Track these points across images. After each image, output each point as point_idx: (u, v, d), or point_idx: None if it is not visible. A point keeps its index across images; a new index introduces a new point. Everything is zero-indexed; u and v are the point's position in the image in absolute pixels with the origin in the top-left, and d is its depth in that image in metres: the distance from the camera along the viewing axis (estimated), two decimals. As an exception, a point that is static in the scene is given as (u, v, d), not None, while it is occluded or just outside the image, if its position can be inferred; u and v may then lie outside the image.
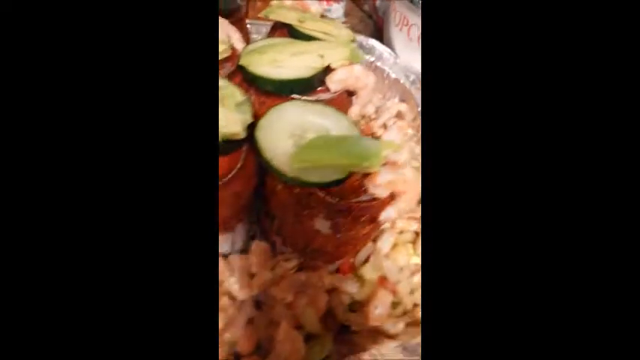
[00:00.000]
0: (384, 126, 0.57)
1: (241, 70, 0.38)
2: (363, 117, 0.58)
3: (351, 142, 0.32)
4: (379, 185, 0.31)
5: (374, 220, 0.33)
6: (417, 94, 0.63)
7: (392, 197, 0.32)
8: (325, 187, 0.31)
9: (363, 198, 0.31)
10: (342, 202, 0.31)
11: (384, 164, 0.32)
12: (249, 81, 0.38)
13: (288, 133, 0.33)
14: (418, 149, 0.58)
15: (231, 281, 0.36)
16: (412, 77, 0.65)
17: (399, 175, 0.31)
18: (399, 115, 0.64)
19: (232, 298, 0.36)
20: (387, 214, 0.33)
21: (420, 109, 0.62)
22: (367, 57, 0.66)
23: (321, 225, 0.33)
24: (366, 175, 0.32)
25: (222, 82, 0.34)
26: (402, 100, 0.65)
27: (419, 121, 0.61)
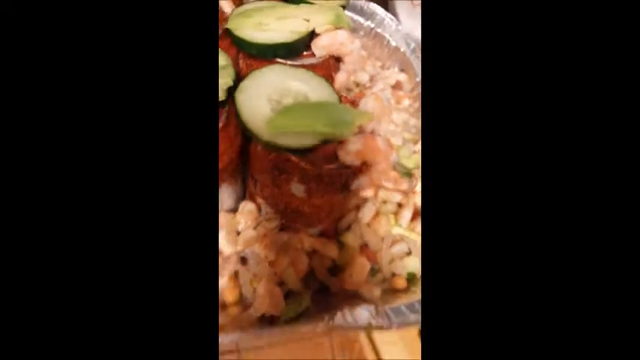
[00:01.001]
0: (378, 96, 0.57)
1: (228, 33, 0.38)
2: (358, 85, 0.58)
3: (326, 109, 0.33)
4: (349, 153, 0.32)
5: (346, 187, 0.34)
6: (416, 64, 0.62)
7: (365, 166, 0.33)
8: (299, 152, 0.33)
9: (335, 165, 0.33)
10: (314, 168, 0.32)
11: (356, 133, 0.33)
12: (237, 44, 0.39)
13: (267, 98, 0.34)
14: (412, 121, 0.58)
15: (219, 236, 0.39)
16: (413, 45, 0.63)
17: (369, 145, 0.32)
18: (398, 85, 0.63)
19: (219, 252, 0.40)
20: (359, 183, 0.34)
21: (419, 79, 0.61)
22: (367, 23, 0.65)
23: (296, 189, 0.34)
24: (339, 143, 0.33)
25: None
26: (402, 70, 0.64)
27: (417, 92, 0.60)
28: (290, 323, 0.39)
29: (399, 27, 0.65)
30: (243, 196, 0.44)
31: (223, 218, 0.40)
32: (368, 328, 0.37)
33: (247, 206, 0.41)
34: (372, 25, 0.64)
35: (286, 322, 0.39)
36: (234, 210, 0.42)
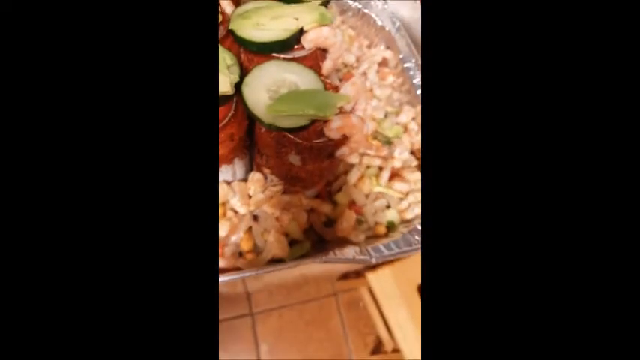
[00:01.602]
0: (365, 74, 0.67)
1: (231, 33, 0.48)
2: (346, 66, 0.67)
3: (314, 95, 0.43)
4: (332, 130, 0.43)
5: (331, 155, 0.46)
6: (400, 42, 0.70)
7: (345, 138, 0.45)
8: (294, 131, 0.44)
9: (322, 140, 0.44)
10: (306, 142, 0.44)
11: (337, 113, 0.43)
12: (239, 42, 0.48)
13: (266, 88, 0.44)
14: (395, 95, 0.68)
15: (234, 200, 0.52)
16: (397, 24, 0.71)
17: (346, 122, 0.43)
18: (384, 62, 0.72)
19: (235, 212, 0.52)
20: (341, 152, 0.46)
21: (402, 56, 0.69)
22: (355, 4, 0.72)
23: (294, 159, 0.46)
24: (325, 122, 0.44)
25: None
26: (387, 47, 0.72)
27: (400, 68, 0.69)
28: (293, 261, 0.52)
29: (385, 6, 0.72)
30: (250, 168, 0.56)
31: (237, 186, 0.52)
32: (352, 261, 0.49)
33: (255, 176, 0.53)
34: (360, 6, 0.72)
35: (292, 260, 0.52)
36: (244, 179, 0.54)
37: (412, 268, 0.83)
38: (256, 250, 0.53)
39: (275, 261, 0.52)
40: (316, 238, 0.58)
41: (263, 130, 0.45)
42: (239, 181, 0.53)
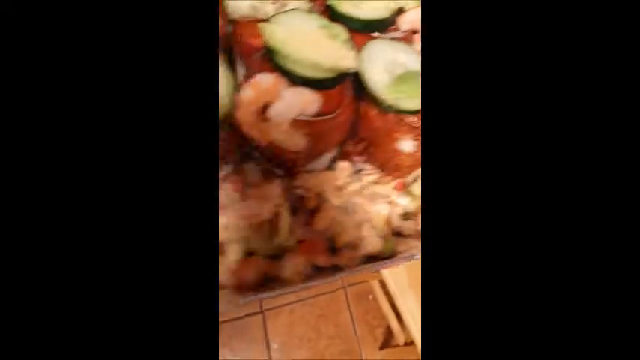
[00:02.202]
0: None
1: (329, 9, 0.44)
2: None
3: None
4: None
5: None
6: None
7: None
8: (414, 113, 0.41)
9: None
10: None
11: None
12: (338, 18, 0.44)
13: (383, 68, 0.41)
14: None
15: (327, 191, 0.47)
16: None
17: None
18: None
19: (328, 203, 0.47)
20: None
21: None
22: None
23: (406, 145, 0.43)
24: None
25: (327, 22, 0.40)
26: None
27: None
28: (385, 259, 0.49)
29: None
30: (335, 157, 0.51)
31: (329, 175, 0.48)
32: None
33: (344, 164, 0.49)
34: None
35: (384, 259, 0.49)
36: (331, 168, 0.49)
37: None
38: (350, 245, 0.49)
39: (371, 257, 0.48)
40: (392, 232, 0.55)
41: (375, 112, 0.42)
42: (328, 170, 0.49)
